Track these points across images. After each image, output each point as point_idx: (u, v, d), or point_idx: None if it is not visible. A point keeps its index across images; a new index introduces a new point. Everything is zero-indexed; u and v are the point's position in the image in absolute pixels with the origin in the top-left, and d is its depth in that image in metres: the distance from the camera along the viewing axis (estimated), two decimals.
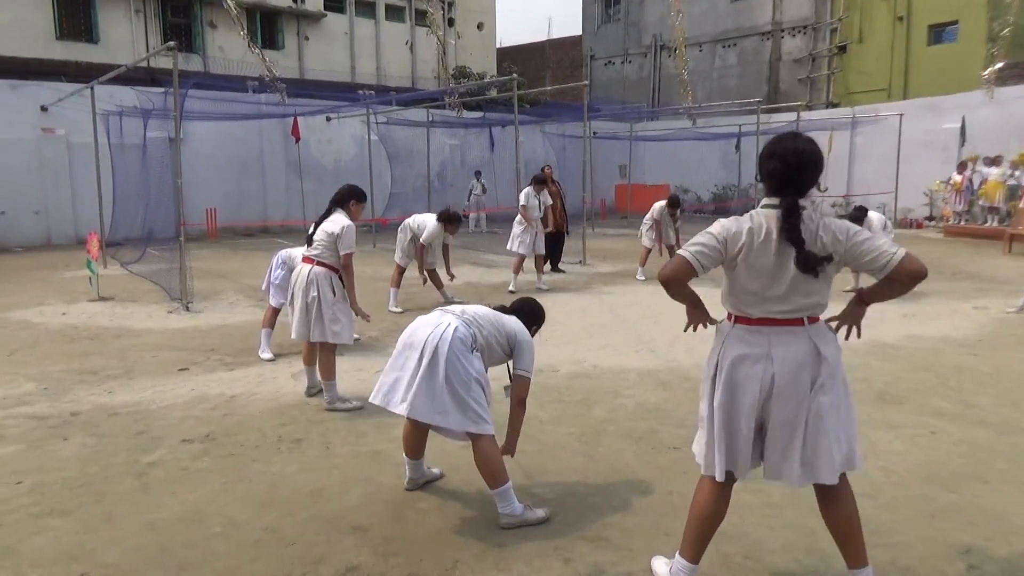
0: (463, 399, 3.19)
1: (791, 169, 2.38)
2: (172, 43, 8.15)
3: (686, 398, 5.01)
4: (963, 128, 17.75)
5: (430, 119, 17.59)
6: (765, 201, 2.48)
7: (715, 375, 2.54)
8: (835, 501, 2.54)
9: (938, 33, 22.04)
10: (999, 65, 17.09)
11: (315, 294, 4.81)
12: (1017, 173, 15.50)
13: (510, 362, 3.48)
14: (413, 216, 8.72)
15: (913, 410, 4.81)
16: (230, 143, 17.04)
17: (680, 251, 2.46)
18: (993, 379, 5.46)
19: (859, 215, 8.76)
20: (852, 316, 2.59)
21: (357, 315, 5.06)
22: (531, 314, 3.73)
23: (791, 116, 19.00)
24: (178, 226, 8.35)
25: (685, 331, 2.74)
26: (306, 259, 4.97)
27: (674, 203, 10.60)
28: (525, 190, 9.85)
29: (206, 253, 13.64)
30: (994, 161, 16.10)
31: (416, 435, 3.54)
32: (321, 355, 4.93)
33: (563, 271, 10.95)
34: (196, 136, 16.19)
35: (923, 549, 3.04)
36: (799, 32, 25.09)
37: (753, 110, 17.06)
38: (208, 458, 4.06)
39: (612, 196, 24.27)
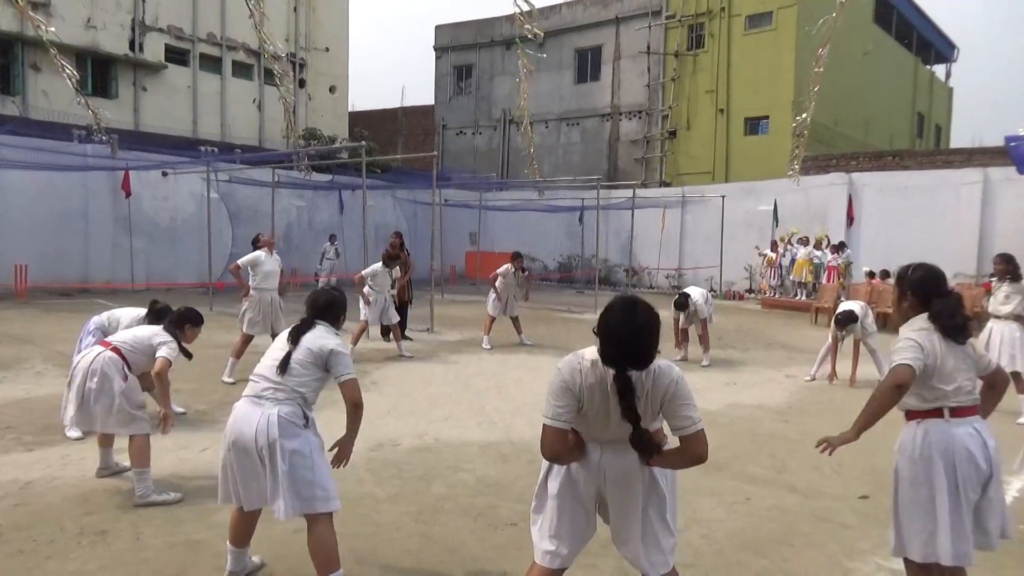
0: (312, 482, 3.11)
1: (629, 355, 2.33)
2: None
3: (526, 471, 5.05)
4: (775, 211, 19.77)
5: (276, 179, 17.15)
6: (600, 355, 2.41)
7: (549, 468, 2.63)
8: None
9: (753, 125, 24.63)
10: (801, 157, 19.29)
11: (96, 383, 4.25)
12: (820, 252, 17.39)
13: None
14: None
15: (732, 476, 5.14)
16: (51, 195, 15.66)
17: (546, 419, 2.44)
18: (801, 445, 5.96)
19: (683, 301, 9.39)
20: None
21: (162, 424, 4.41)
22: (330, 309, 3.44)
23: (628, 193, 20.31)
24: None
25: None
26: (103, 343, 4.52)
27: (516, 256, 10.98)
28: (373, 266, 9.75)
29: (11, 315, 12.29)
30: (801, 241, 17.99)
31: (248, 521, 3.33)
32: (132, 440, 4.37)
33: (410, 339, 10.86)
34: (10, 186, 14.77)
35: None
36: (635, 116, 27.12)
37: (594, 185, 18.10)
38: None
39: (462, 262, 24.62)
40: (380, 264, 9.68)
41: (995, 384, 2.94)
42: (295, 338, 3.28)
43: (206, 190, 15.52)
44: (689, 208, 21.86)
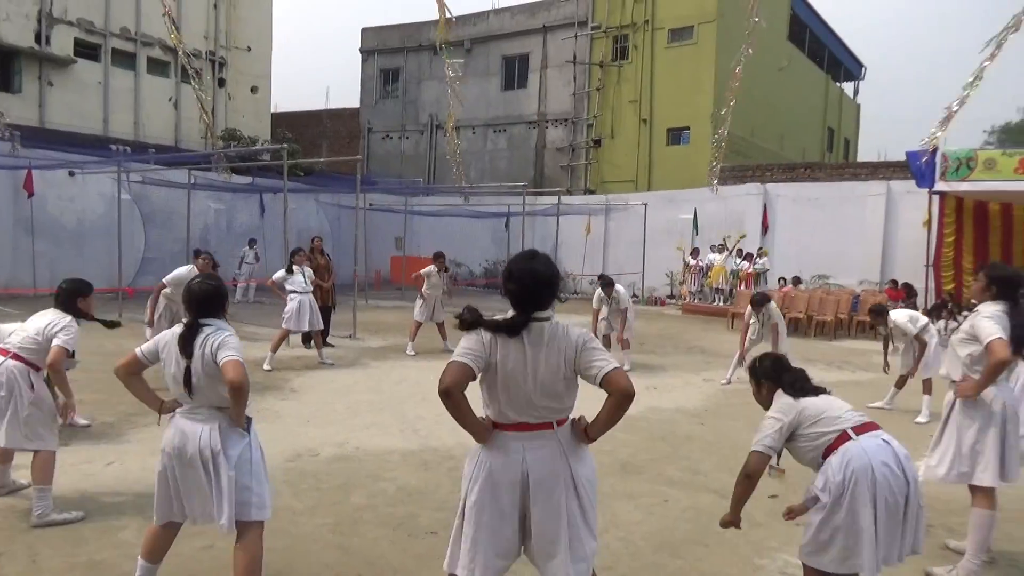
0: (249, 487, 3.06)
1: (528, 291, 2.53)
2: None
3: (447, 479, 5.03)
4: (695, 219, 20.37)
5: (192, 181, 16.54)
6: (510, 313, 2.58)
7: (472, 476, 2.61)
8: None
9: (675, 136, 25.32)
10: (719, 167, 19.97)
11: (3, 394, 4.04)
12: (738, 260, 18.02)
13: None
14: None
15: (650, 479, 5.25)
16: None
17: (453, 357, 2.51)
18: (715, 447, 6.15)
19: (608, 282, 9.55)
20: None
21: (64, 417, 4.26)
22: (210, 301, 3.21)
23: (553, 199, 20.55)
24: None
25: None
26: (1, 350, 4.23)
27: (438, 256, 10.95)
28: (280, 271, 9.53)
29: None
30: (718, 248, 18.59)
31: (167, 536, 3.20)
32: (36, 455, 4.13)
33: (332, 346, 10.66)
34: None
35: None
36: (561, 124, 27.47)
37: (520, 192, 18.24)
38: None
39: (388, 267, 24.34)
40: (283, 271, 9.47)
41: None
42: (185, 349, 3.06)
43: (117, 191, 14.85)
44: (613, 215, 22.28)
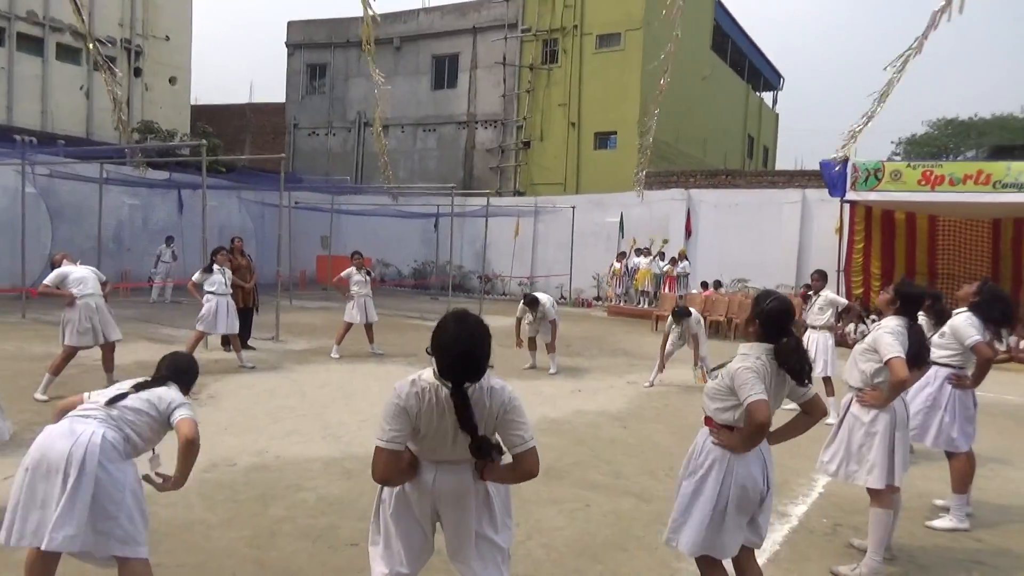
0: (113, 517, 2.77)
1: (459, 366, 2.38)
2: None
3: (370, 487, 4.89)
4: (622, 223, 20.75)
5: (104, 175, 15.77)
6: (438, 376, 2.45)
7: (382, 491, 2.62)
8: None
9: (602, 140, 25.72)
10: (644, 172, 20.38)
11: None
12: (661, 263, 18.44)
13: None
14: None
15: (573, 484, 5.31)
16: None
17: (380, 442, 2.42)
18: (637, 450, 6.27)
19: (532, 299, 9.65)
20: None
21: None
22: (187, 374, 3.37)
23: (483, 201, 20.54)
24: None
25: None
26: None
27: (355, 255, 10.87)
28: (198, 273, 9.22)
29: None
30: (643, 252, 18.98)
31: (46, 563, 2.98)
32: None
33: (252, 348, 10.35)
34: None
35: None
36: (490, 125, 27.51)
37: (449, 192, 18.18)
38: None
39: (313, 267, 23.85)
40: (201, 272, 9.18)
41: (812, 412, 3.09)
42: (139, 387, 3.12)
43: (21, 184, 14.04)
44: (541, 217, 22.45)
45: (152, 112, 26.20)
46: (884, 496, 3.93)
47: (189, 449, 3.04)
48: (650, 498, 5.07)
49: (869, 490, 3.97)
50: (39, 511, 2.75)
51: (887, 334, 3.91)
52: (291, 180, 20.79)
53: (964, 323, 4.70)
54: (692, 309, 9.25)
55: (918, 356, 4.00)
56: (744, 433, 2.91)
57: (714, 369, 3.11)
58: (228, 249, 10.02)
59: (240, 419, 6.70)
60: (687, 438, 3.25)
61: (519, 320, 9.88)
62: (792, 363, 2.93)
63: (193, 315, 9.16)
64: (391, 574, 2.58)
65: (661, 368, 9.16)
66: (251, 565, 3.77)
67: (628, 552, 4.15)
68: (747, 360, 2.92)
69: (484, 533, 2.57)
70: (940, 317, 5.08)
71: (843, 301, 8.75)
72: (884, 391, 3.92)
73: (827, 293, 8.26)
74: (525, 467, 2.46)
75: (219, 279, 9.07)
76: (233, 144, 29.58)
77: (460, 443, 2.46)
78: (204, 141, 11.55)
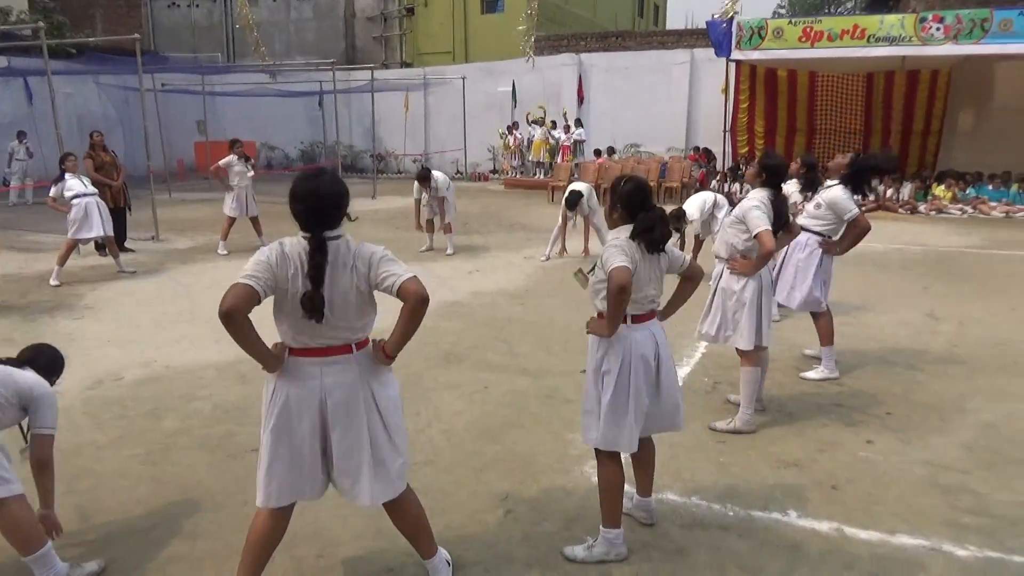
0: None
1: (313, 211, 2.41)
2: None
3: None
4: (514, 91, 20.28)
5: None
6: (301, 234, 2.45)
7: (270, 402, 2.54)
8: (400, 509, 2.71)
9: (490, 3, 24.60)
10: (533, 36, 19.78)
11: None
12: (555, 132, 18.32)
13: (26, 420, 2.89)
14: None
15: (472, 367, 5.44)
16: None
17: (236, 279, 2.34)
18: (534, 327, 6.44)
19: (425, 174, 9.42)
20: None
21: None
22: (50, 365, 3.10)
23: (367, 75, 19.52)
24: None
25: (272, 372, 2.55)
26: None
27: (235, 143, 10.19)
28: (57, 185, 8.44)
29: None
30: (537, 122, 18.76)
31: None
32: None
33: (131, 251, 9.78)
34: None
35: (472, 505, 3.48)
36: None
37: (331, 68, 17.11)
38: None
39: (191, 155, 22.35)
40: (53, 187, 8.41)
41: (693, 276, 3.15)
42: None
43: None
44: (431, 90, 21.66)
45: None
46: (752, 355, 4.23)
47: (42, 478, 2.86)
48: (545, 374, 5.27)
49: (739, 351, 4.26)
50: None
51: (754, 208, 4.07)
52: (153, 61, 19.02)
53: (842, 197, 4.95)
54: (582, 188, 9.19)
55: (782, 223, 4.22)
56: (607, 310, 2.89)
57: (591, 270, 3.11)
58: (88, 146, 9.20)
59: (123, 329, 6.42)
60: (583, 312, 3.26)
61: (417, 202, 9.71)
62: (645, 234, 2.89)
63: (60, 218, 8.47)
64: (268, 492, 2.53)
65: (562, 251, 9.39)
66: (147, 483, 3.71)
67: (524, 429, 4.34)
68: (615, 243, 2.94)
69: (378, 440, 2.54)
70: (811, 185, 5.32)
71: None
72: (753, 260, 4.13)
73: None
74: (411, 291, 2.39)
75: (76, 184, 8.34)
76: (81, 20, 26.46)
77: (333, 309, 2.41)
78: (42, 24, 10.26)
